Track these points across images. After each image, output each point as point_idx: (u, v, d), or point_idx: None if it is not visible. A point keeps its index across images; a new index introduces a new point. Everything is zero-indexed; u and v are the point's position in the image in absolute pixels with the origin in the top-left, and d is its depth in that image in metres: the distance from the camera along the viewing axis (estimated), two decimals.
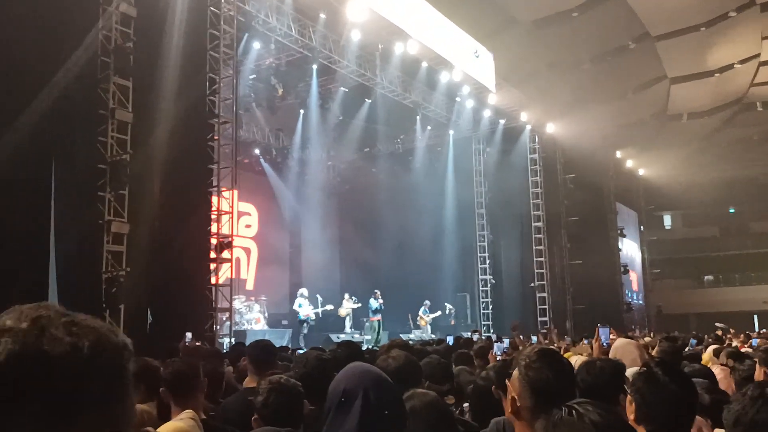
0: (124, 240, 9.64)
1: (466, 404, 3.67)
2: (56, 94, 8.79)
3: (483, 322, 20.99)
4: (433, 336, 15.80)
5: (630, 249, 31.10)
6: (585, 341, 9.89)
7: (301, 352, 7.06)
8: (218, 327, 11.62)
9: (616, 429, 1.30)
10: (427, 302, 18.68)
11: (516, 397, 2.03)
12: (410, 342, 10.83)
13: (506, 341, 10.84)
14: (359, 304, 17.39)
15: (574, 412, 1.29)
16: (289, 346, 12.49)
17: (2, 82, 8.34)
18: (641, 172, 32.78)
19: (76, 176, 9.40)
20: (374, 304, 16.95)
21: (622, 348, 5.21)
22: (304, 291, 16.33)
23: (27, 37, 8.55)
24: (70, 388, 0.68)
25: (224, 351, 9.14)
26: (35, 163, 8.79)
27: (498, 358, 7.81)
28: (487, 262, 21.69)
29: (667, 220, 38.41)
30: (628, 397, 2.22)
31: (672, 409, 2.17)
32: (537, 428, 1.26)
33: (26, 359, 0.68)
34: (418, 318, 18.51)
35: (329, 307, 16.86)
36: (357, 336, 16.26)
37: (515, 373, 2.10)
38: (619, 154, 28.82)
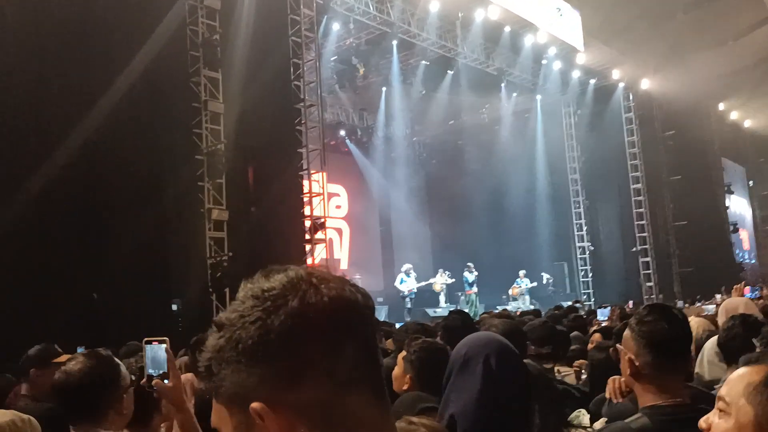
0: (224, 226, 10.08)
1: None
2: (152, 90, 9.25)
3: (583, 291, 20.40)
4: (531, 307, 15.54)
5: (739, 206, 29.19)
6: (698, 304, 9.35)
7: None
8: None
9: None
10: (522, 271, 18.33)
11: (633, 357, 1.95)
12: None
13: (609, 307, 10.46)
14: (453, 279, 17.37)
15: None
16: (387, 321, 12.67)
17: (93, 80, 8.74)
18: (747, 123, 30.53)
19: (177, 168, 9.87)
20: (469, 277, 16.88)
21: (733, 308, 4.89)
22: (407, 267, 16.53)
23: (114, 34, 8.98)
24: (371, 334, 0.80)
25: None
26: (144, 160, 9.27)
27: (602, 325, 7.59)
28: (584, 228, 20.98)
29: None
30: (758, 351, 2.10)
31: None
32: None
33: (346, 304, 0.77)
34: (511, 288, 18.22)
35: (432, 280, 16.99)
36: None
37: (626, 333, 2.04)
38: (722, 106, 26.95)
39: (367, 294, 0.80)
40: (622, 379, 2.25)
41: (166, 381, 1.99)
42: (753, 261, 30.36)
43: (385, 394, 0.79)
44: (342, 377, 0.73)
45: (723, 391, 1.07)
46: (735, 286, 5.94)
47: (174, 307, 9.52)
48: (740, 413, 1.01)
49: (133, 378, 2.18)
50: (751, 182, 32.61)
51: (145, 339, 2.05)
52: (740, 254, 27.74)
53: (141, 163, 9.31)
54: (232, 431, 0.75)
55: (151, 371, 2.01)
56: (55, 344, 3.48)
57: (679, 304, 13.09)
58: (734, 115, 28.83)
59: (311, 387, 0.72)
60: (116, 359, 2.25)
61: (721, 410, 1.06)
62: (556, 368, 3.65)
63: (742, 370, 1.06)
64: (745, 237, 29.85)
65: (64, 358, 2.66)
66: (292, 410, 0.72)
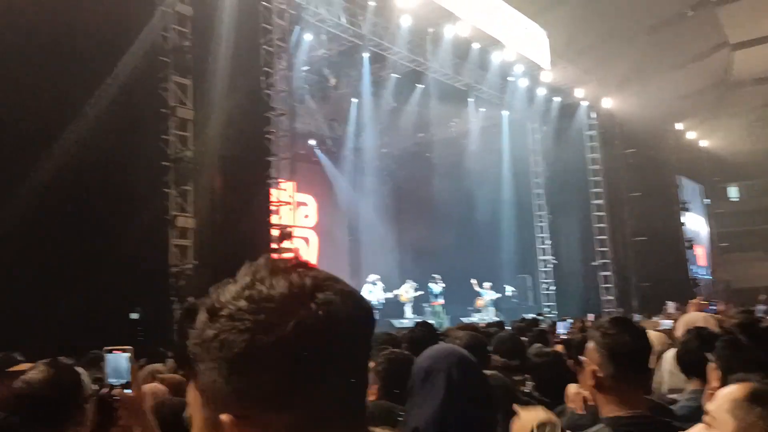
0: (190, 234, 9.93)
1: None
2: (119, 95, 9.08)
3: (545, 303, 20.68)
4: (496, 319, 15.64)
5: (695, 223, 29.99)
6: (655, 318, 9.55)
7: None
8: None
9: None
10: (486, 284, 18.47)
11: (596, 368, 2.00)
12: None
13: (569, 320, 10.61)
14: (421, 292, 17.41)
15: None
16: None
17: (60, 84, 8.54)
18: (704, 143, 31.48)
19: (142, 174, 9.70)
20: (435, 288, 16.93)
21: (692, 322, 5.04)
22: (373, 278, 16.52)
23: (84, 40, 8.80)
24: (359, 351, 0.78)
25: None
26: (106, 164, 9.08)
27: (562, 337, 7.70)
28: (547, 242, 21.31)
29: (732, 192, 36.75)
30: (711, 365, 2.15)
31: (759, 374, 2.09)
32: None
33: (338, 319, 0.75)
34: (476, 300, 18.35)
35: (397, 292, 17.00)
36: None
37: (590, 345, 2.07)
38: (680, 125, 27.76)
39: (368, 310, 0.79)
40: (585, 391, 2.29)
41: (128, 391, 1.95)
42: (708, 277, 31.18)
43: (362, 417, 0.79)
44: (319, 408, 0.72)
45: (711, 406, 1.13)
46: (691, 301, 6.08)
47: (135, 315, 9.31)
48: (722, 426, 1.06)
49: (96, 388, 2.14)
50: (707, 200, 33.53)
51: (105, 348, 2.01)
52: (695, 270, 28.46)
53: (106, 169, 9.12)
54: (201, 422, 0.76)
55: (112, 380, 1.97)
56: (14, 353, 3.40)
57: (636, 317, 13.29)
58: (692, 135, 29.70)
59: (284, 413, 0.71)
60: (78, 368, 2.21)
61: (707, 423, 1.12)
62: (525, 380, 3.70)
63: (729, 388, 1.13)
64: (701, 253, 30.64)
65: (22, 367, 2.60)
66: (259, 430, 0.71)
